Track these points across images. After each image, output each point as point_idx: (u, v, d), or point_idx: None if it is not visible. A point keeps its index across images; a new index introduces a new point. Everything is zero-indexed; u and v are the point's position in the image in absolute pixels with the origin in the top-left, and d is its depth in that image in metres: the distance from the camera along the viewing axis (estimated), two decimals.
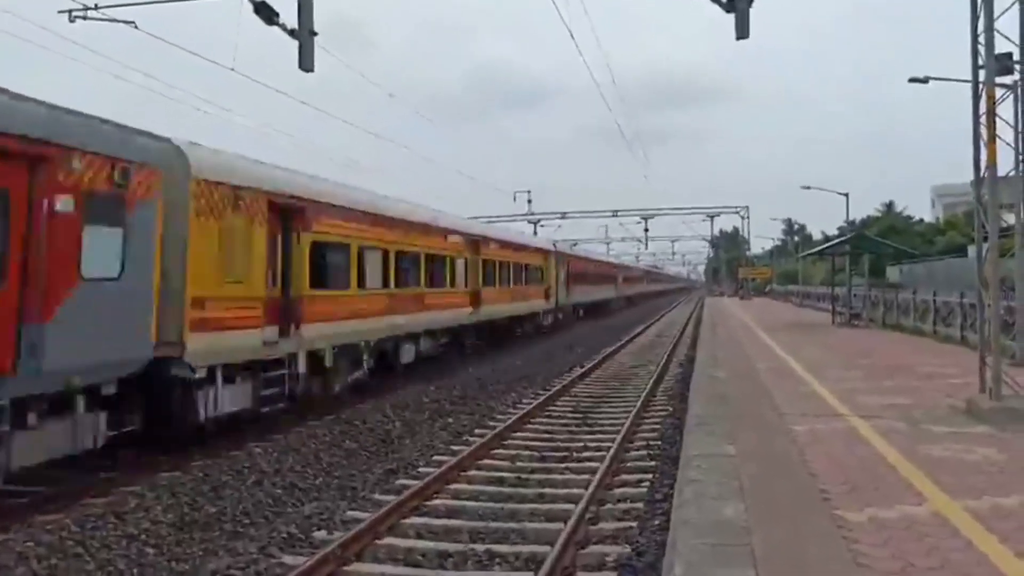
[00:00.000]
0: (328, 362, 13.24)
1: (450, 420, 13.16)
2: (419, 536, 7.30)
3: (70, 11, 13.31)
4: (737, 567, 4.46)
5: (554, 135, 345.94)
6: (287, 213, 12.06)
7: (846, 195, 44.05)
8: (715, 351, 18.75)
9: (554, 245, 35.91)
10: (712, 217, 77.16)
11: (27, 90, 7.97)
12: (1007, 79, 10.04)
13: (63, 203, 7.77)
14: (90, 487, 8.63)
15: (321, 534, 7.33)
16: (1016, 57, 9.86)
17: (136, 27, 13.33)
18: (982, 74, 9.70)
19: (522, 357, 22.83)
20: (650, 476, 9.16)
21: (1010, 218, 13.70)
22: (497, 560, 6.65)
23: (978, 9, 9.67)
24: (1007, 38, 9.72)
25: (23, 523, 7.38)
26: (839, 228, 61.01)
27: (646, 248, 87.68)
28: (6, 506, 7.88)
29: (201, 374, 9.85)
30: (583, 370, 19.26)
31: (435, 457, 10.46)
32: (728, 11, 10.82)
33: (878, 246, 32.40)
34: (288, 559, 6.67)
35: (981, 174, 9.95)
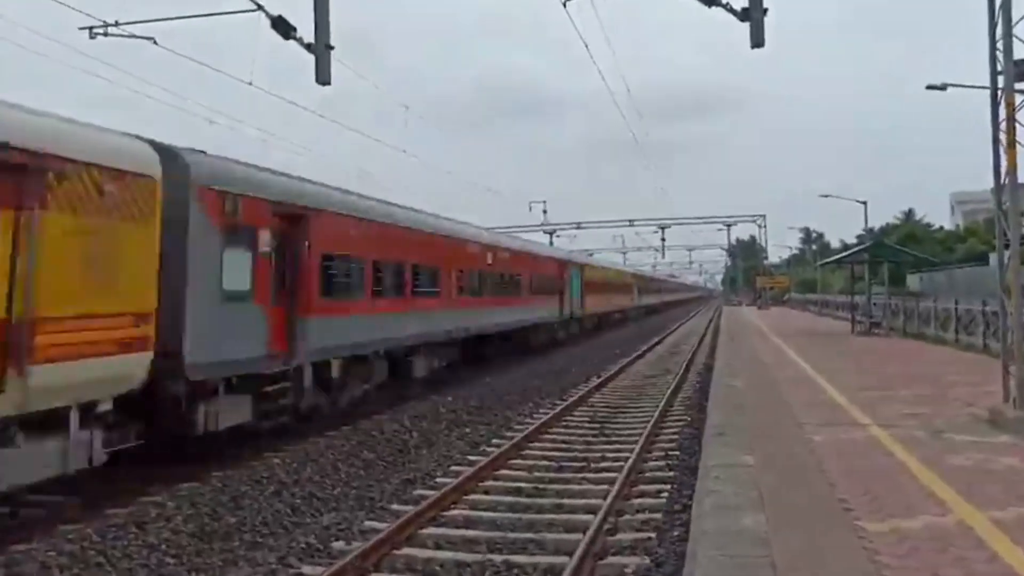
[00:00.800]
0: None
1: (467, 430, 13.16)
2: (437, 546, 7.29)
3: (91, 28, 13.51)
4: None
5: (566, 145, 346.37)
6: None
7: (864, 203, 43.75)
8: (732, 360, 18.64)
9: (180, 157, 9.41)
10: (729, 226, 76.94)
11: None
12: None
13: None
14: (111, 497, 8.69)
15: (339, 544, 7.34)
16: None
17: (156, 43, 13.52)
18: (1001, 80, 9.63)
19: None
20: (669, 486, 9.11)
21: None
22: (515, 571, 6.62)
23: (996, 15, 9.60)
24: None
25: (45, 533, 7.45)
26: (858, 236, 60.53)
27: (663, 257, 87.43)
28: (28, 516, 7.97)
29: None
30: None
31: (452, 467, 10.46)
32: (743, 20, 10.81)
33: (897, 254, 32.15)
34: (307, 569, 6.70)
35: (1001, 180, 9.86)
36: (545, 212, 66.03)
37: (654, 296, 68.64)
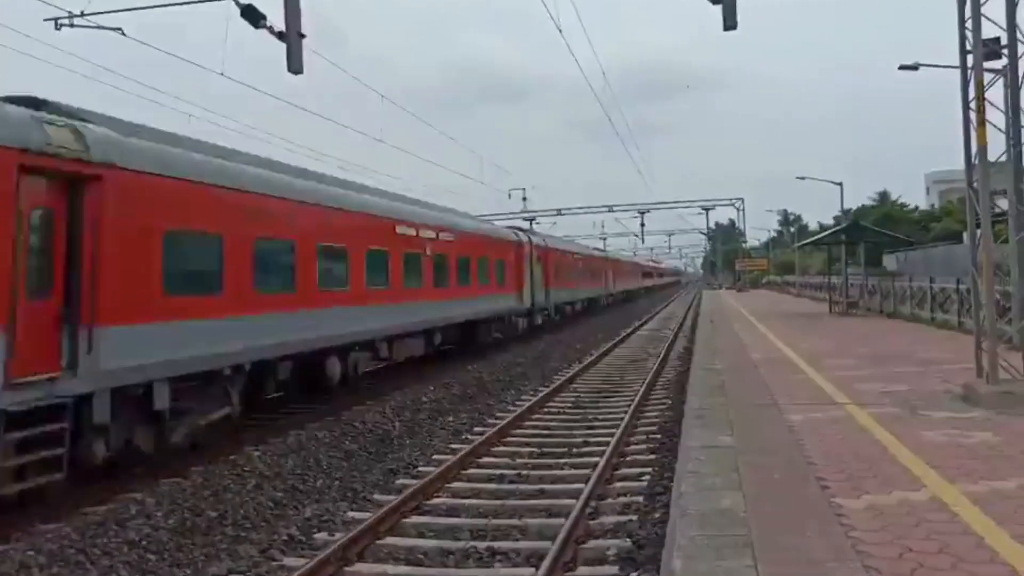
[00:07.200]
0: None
1: (450, 419, 13.17)
2: (420, 535, 7.31)
3: (56, 19, 13.26)
4: (736, 558, 4.47)
5: (541, 130, 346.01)
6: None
7: (840, 184, 44.11)
8: (713, 342, 18.76)
9: None
10: (707, 210, 77.16)
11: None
12: (996, 63, 10.01)
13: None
14: (90, 495, 8.62)
15: (322, 535, 7.34)
16: (1004, 41, 9.85)
17: (123, 33, 13.30)
18: (970, 59, 9.71)
19: None
20: (650, 469, 9.19)
21: (1004, 203, 13.71)
22: (498, 557, 6.67)
23: None
24: (994, 23, 9.72)
25: (24, 532, 7.38)
26: (835, 217, 61.02)
27: (643, 243, 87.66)
28: (6, 515, 7.88)
29: None
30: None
31: (435, 456, 10.47)
32: (715, 2, 10.79)
33: (873, 234, 32.42)
34: (290, 561, 6.69)
35: (972, 160, 9.96)
36: (525, 199, 66.02)
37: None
